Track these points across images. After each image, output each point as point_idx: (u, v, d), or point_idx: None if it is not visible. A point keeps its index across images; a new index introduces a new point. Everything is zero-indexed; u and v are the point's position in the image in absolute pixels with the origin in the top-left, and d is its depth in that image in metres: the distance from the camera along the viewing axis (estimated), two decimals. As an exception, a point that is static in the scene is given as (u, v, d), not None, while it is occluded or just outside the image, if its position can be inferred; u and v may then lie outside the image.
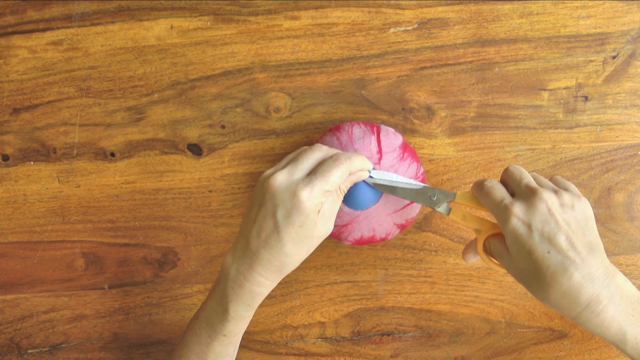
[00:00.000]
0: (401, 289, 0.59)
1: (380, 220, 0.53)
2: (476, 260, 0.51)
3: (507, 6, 0.56)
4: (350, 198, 0.51)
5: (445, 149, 0.57)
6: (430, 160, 0.57)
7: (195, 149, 0.58)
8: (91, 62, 0.58)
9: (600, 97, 0.56)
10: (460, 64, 0.56)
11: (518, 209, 0.43)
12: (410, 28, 0.56)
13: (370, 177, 0.49)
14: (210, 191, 0.59)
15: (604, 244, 0.44)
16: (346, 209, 0.52)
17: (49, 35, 0.57)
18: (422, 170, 0.54)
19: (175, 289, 0.60)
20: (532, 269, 0.43)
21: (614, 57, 0.56)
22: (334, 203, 0.46)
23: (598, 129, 0.57)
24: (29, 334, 0.61)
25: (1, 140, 0.59)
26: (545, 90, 0.56)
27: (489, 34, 0.56)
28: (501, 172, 0.57)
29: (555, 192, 0.44)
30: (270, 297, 0.60)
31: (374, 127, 0.53)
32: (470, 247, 0.51)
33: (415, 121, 0.57)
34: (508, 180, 0.47)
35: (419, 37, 0.56)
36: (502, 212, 0.44)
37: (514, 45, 0.56)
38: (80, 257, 0.60)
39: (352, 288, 0.60)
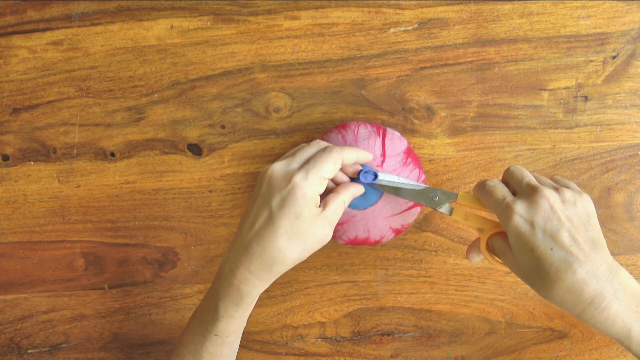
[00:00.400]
0: (401, 289, 0.59)
1: (376, 222, 0.53)
2: (480, 259, 0.51)
3: (507, 6, 0.56)
4: None
5: (445, 149, 0.57)
6: (430, 160, 0.57)
7: (195, 149, 0.58)
8: (91, 62, 0.58)
9: (600, 97, 0.56)
10: (460, 64, 0.56)
11: (520, 207, 0.43)
12: (410, 28, 0.56)
13: (375, 177, 0.49)
14: (210, 191, 0.59)
15: (603, 243, 0.44)
16: None
17: (49, 35, 0.57)
18: (423, 177, 0.54)
19: (175, 289, 0.60)
20: (535, 266, 0.43)
21: (614, 57, 0.56)
22: (338, 208, 0.46)
23: (598, 129, 0.57)
24: (29, 334, 0.61)
25: (1, 140, 0.59)
26: (545, 90, 0.56)
27: (489, 34, 0.56)
28: (501, 172, 0.57)
29: (557, 189, 0.44)
30: (270, 297, 0.60)
31: (380, 129, 0.53)
32: (473, 246, 0.51)
33: (415, 121, 0.57)
34: (509, 180, 0.47)
35: (419, 37, 0.56)
36: (504, 210, 0.44)
37: (514, 45, 0.56)
38: (80, 257, 0.60)
39: (352, 288, 0.60)
